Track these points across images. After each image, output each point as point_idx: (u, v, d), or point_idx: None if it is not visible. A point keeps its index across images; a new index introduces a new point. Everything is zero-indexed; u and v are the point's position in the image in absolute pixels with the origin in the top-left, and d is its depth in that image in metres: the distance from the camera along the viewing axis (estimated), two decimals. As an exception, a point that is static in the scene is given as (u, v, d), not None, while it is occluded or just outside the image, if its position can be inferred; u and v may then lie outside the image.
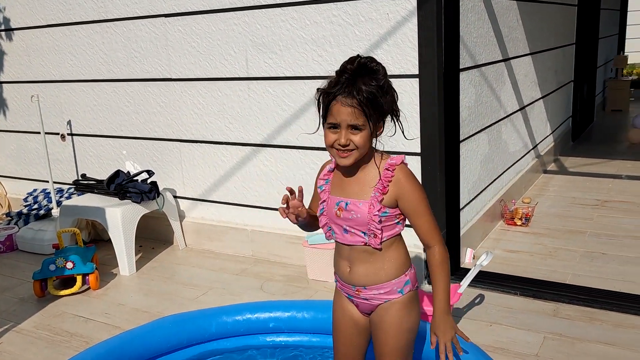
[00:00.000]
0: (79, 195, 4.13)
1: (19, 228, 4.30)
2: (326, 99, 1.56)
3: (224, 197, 3.89)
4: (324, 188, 1.73)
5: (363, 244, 1.65)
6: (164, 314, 3.03)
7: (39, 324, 3.09)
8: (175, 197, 4.07)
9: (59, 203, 4.27)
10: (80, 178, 4.26)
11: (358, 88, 1.50)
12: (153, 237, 4.18)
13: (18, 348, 2.85)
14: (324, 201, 1.71)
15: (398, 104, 1.65)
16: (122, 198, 3.77)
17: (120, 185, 3.79)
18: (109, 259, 3.87)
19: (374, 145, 1.63)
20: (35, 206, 4.48)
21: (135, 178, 3.87)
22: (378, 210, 1.60)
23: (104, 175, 4.13)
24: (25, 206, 4.54)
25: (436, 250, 1.63)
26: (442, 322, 1.64)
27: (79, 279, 3.40)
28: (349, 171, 1.66)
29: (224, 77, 3.64)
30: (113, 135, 4.26)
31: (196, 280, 3.52)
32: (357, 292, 1.72)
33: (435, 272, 1.65)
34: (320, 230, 1.78)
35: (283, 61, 3.40)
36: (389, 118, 1.63)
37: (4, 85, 4.76)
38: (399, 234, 1.69)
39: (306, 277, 3.43)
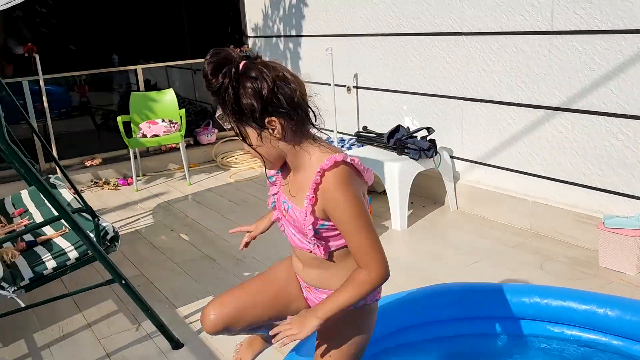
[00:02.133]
0: (359, 146, 4.29)
1: (305, 171, 4.68)
2: None
3: (505, 163, 3.61)
4: (273, 179, 1.49)
5: (309, 251, 1.42)
6: (437, 277, 2.97)
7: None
8: (452, 157, 3.94)
9: (340, 152, 4.51)
10: (361, 130, 4.42)
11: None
12: (424, 195, 4.14)
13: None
14: (275, 194, 1.50)
15: None
16: (400, 153, 3.78)
17: (400, 140, 3.80)
18: (382, 212, 3.97)
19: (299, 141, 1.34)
20: (320, 153, 4.82)
21: (414, 134, 3.84)
22: (312, 223, 1.34)
23: (382, 128, 4.20)
24: (311, 152, 4.92)
25: (366, 272, 1.32)
26: (306, 317, 1.36)
27: (356, 227, 3.54)
28: (291, 170, 1.40)
29: (522, 31, 3.29)
30: (395, 90, 4.28)
31: (468, 247, 3.37)
32: (308, 288, 1.54)
33: (349, 282, 1.34)
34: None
35: (599, 11, 2.90)
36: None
37: (303, 38, 5.16)
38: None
39: (596, 264, 2.99)
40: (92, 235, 2.40)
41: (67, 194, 2.94)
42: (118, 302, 3.01)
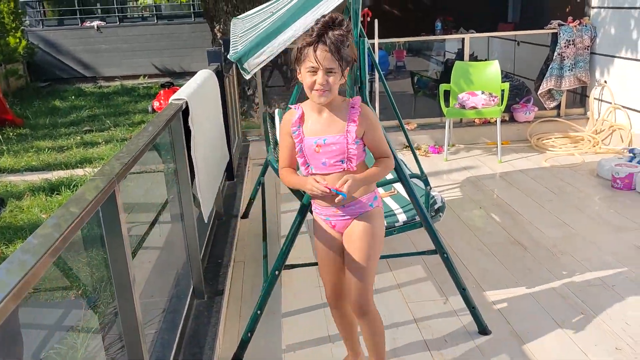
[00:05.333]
0: None
1: (641, 169, 4.02)
2: (304, 47, 1.77)
3: None
4: (297, 133, 1.89)
5: (341, 170, 1.86)
6: None
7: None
8: None
9: (696, 152, 3.72)
10: None
11: (329, 37, 1.73)
12: None
13: (630, 292, 2.68)
14: (301, 143, 1.89)
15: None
16: None
17: None
18: None
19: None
20: (664, 149, 4.07)
21: None
22: (353, 140, 1.83)
23: None
24: (653, 147, 4.19)
25: (389, 159, 1.92)
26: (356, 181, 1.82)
27: None
28: (321, 113, 1.86)
29: None
30: None
31: None
32: (335, 212, 1.95)
33: (378, 165, 1.90)
34: None
35: None
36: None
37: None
38: (364, 160, 1.92)
39: None
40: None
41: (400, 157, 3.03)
42: (426, 271, 3.04)
